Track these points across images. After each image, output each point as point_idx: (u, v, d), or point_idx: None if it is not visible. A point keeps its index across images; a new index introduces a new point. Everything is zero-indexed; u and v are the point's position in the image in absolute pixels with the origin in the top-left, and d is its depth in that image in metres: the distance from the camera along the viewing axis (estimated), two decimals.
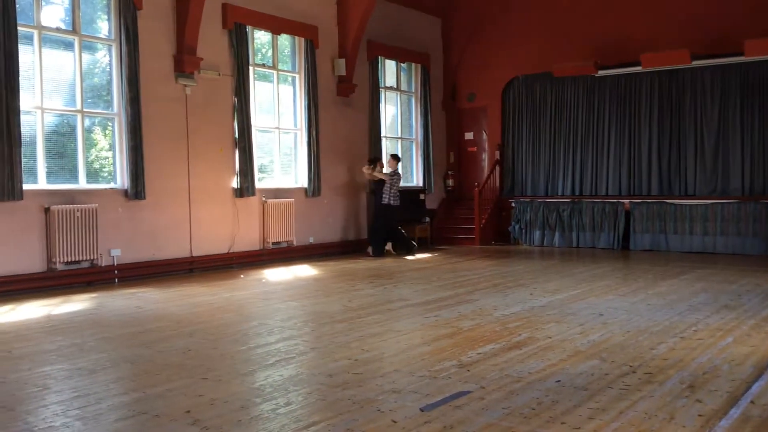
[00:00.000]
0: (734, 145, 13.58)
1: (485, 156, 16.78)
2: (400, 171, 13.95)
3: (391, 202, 13.57)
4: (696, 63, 13.55)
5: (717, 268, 10.91)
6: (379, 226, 13.58)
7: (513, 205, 15.57)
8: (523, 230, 15.33)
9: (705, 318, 6.95)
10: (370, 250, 13.54)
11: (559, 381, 4.80)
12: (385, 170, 13.88)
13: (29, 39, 9.35)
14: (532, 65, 15.64)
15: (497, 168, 16.20)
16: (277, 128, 12.91)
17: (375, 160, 13.94)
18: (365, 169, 13.80)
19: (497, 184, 16.17)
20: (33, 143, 9.37)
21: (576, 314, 7.22)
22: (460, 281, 9.86)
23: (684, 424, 3.92)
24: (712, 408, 4.20)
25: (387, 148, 15.44)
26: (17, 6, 8.94)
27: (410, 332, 6.57)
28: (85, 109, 10.00)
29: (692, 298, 8.11)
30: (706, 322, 6.73)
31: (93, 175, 10.26)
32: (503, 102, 16.33)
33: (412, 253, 13.73)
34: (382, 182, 13.60)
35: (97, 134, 10.47)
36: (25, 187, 9.05)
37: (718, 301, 7.88)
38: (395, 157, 14.03)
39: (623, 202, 14.25)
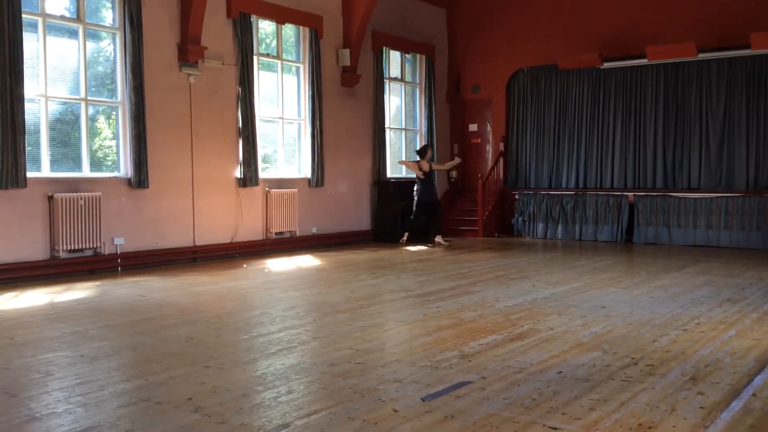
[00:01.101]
0: (739, 139, 13.53)
1: (489, 148, 16.75)
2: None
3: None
4: (702, 56, 13.48)
5: (720, 262, 10.89)
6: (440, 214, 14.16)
7: (516, 197, 15.54)
8: (527, 222, 15.31)
9: (707, 311, 6.94)
10: (440, 238, 13.75)
11: (560, 372, 4.80)
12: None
13: (34, 27, 9.33)
14: (537, 57, 15.58)
15: (501, 160, 16.16)
16: (281, 118, 12.89)
17: (425, 149, 14.11)
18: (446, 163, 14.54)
19: (501, 176, 16.14)
20: (37, 131, 9.38)
21: (578, 306, 7.21)
22: (463, 273, 9.86)
23: (685, 416, 3.92)
24: (714, 400, 4.20)
25: (391, 139, 15.43)
26: None
27: (412, 323, 6.57)
28: (89, 98, 9.99)
29: (695, 291, 8.10)
30: (709, 315, 6.73)
31: (96, 163, 10.26)
32: (508, 94, 16.28)
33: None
34: (431, 174, 13.87)
35: (101, 123, 10.47)
36: (29, 175, 9.06)
37: (721, 295, 7.87)
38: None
39: (627, 195, 14.22)
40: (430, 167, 13.84)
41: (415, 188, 13.97)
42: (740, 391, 4.38)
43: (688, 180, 14.07)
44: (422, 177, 13.68)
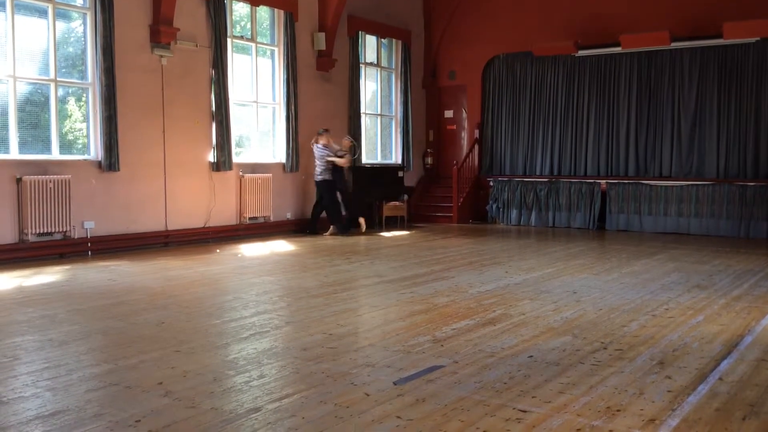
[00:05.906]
0: (710, 128, 13.69)
1: (464, 134, 16.77)
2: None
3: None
4: (675, 45, 13.59)
5: (690, 249, 11.04)
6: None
7: (491, 184, 15.60)
8: (501, 209, 15.40)
9: (676, 297, 7.04)
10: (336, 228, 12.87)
11: (531, 356, 4.84)
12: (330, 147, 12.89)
13: (2, 5, 9.12)
14: (512, 44, 15.60)
15: (476, 147, 16.20)
16: (255, 102, 12.77)
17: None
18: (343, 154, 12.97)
19: (476, 162, 16.18)
20: (5, 112, 9.19)
21: (550, 292, 7.27)
22: (437, 259, 9.89)
23: (653, 400, 3.97)
24: (681, 384, 4.26)
25: (366, 124, 15.37)
26: None
27: (386, 308, 6.58)
28: (58, 79, 9.81)
29: (665, 278, 8.21)
30: (678, 301, 6.82)
31: (66, 146, 10.09)
32: (483, 80, 16.29)
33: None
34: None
35: (71, 104, 10.29)
36: None
37: (690, 281, 7.99)
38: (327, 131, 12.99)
39: (600, 183, 14.34)
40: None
41: (330, 176, 12.78)
42: (707, 375, 4.45)
43: (660, 168, 14.23)
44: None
